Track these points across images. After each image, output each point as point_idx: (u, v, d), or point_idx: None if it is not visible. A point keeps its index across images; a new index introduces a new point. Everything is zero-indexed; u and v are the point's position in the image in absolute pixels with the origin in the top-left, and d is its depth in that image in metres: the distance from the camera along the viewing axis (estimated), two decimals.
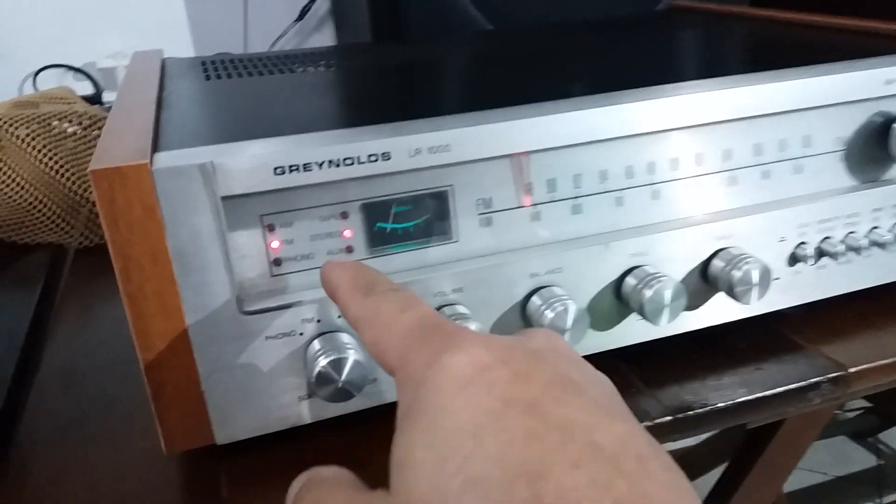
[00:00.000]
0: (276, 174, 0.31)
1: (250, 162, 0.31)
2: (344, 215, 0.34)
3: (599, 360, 0.40)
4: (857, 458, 1.51)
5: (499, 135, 0.34)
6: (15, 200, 0.69)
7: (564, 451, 0.19)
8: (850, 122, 0.42)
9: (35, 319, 0.52)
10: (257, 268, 0.34)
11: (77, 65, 1.02)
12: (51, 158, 0.68)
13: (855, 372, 0.41)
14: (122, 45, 1.05)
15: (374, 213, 0.35)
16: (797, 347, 0.43)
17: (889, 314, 0.46)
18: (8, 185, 0.72)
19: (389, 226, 0.35)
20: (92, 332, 0.51)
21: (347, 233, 0.35)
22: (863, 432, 1.55)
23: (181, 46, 1.07)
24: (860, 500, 1.42)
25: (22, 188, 0.70)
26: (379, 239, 0.35)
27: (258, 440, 0.36)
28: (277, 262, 0.34)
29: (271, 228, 0.33)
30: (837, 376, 0.40)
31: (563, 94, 0.38)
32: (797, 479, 1.46)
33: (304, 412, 0.36)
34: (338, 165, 0.32)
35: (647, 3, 0.91)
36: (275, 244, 0.34)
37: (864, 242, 0.43)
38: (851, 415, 1.57)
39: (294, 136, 0.33)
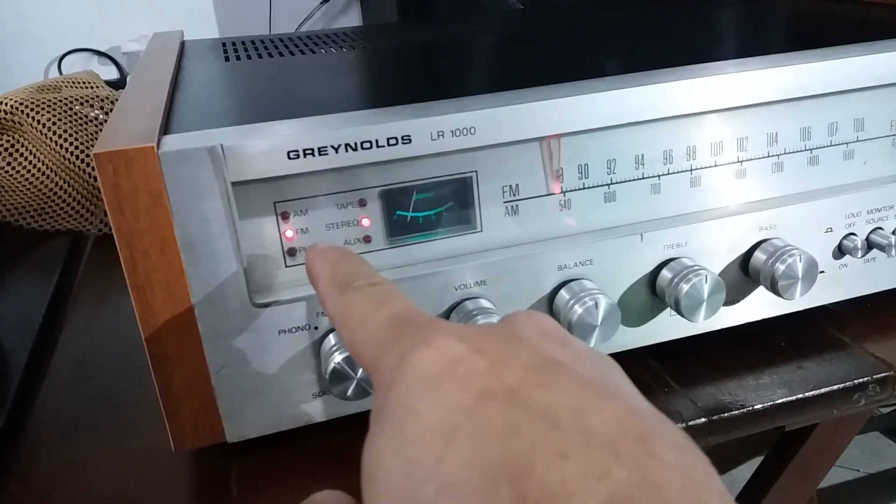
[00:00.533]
0: (289, 158, 0.29)
1: (262, 145, 0.29)
2: (362, 203, 0.32)
3: (629, 357, 0.38)
4: (890, 455, 1.47)
5: (527, 117, 0.32)
6: (35, 186, 0.68)
7: (549, 441, 0.16)
8: None
9: (51, 307, 0.51)
10: (270, 258, 0.32)
11: (102, 49, 1.01)
12: (72, 144, 0.67)
13: None
14: (148, 29, 1.04)
15: (394, 200, 0.33)
16: (842, 345, 0.40)
17: None
18: (28, 171, 0.71)
19: (410, 214, 0.33)
20: (108, 321, 0.50)
21: (365, 221, 0.33)
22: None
23: (206, 30, 1.06)
24: (893, 498, 1.38)
25: (42, 174, 0.69)
26: (399, 228, 0.33)
27: (270, 438, 0.34)
28: (292, 252, 0.32)
29: (285, 216, 0.31)
30: (885, 377, 0.38)
31: (595, 74, 0.35)
32: (829, 476, 1.42)
33: (319, 410, 0.34)
34: (355, 149, 0.30)
35: None
36: (289, 233, 0.32)
37: None
38: (886, 410, 1.52)
39: (309, 119, 0.31)
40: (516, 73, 0.42)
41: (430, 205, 0.34)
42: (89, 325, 0.49)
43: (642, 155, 0.36)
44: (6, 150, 0.72)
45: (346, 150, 0.30)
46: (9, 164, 0.72)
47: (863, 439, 1.51)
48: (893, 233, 0.40)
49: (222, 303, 0.31)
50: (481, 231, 0.35)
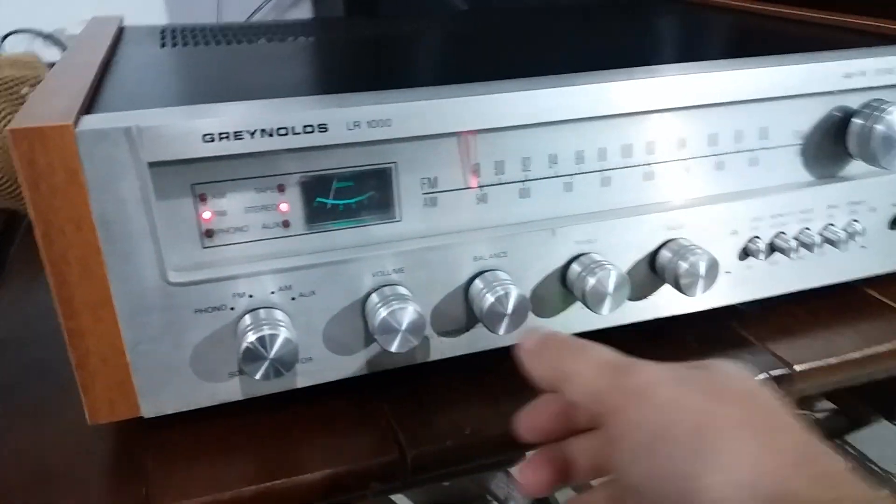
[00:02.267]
0: (204, 141, 0.30)
1: (178, 128, 0.30)
2: (281, 188, 0.33)
3: None
4: None
5: (443, 112, 0.34)
6: None
7: None
8: (809, 116, 0.42)
9: None
10: (188, 239, 0.33)
11: (47, 30, 1.00)
12: (7, 123, 0.66)
13: (801, 371, 0.40)
14: (94, 12, 1.03)
15: (314, 187, 0.34)
16: (745, 343, 0.43)
17: (841, 314, 0.45)
18: None
19: (330, 201, 0.35)
20: (37, 300, 0.50)
21: (284, 206, 0.34)
22: (831, 433, 1.56)
23: (155, 17, 1.05)
24: None
25: None
26: (319, 214, 0.34)
27: (187, 415, 0.35)
28: (209, 233, 0.33)
29: (203, 198, 0.32)
30: (782, 374, 0.40)
31: (514, 74, 0.37)
32: None
33: (235, 389, 0.35)
34: (271, 135, 0.31)
35: None
36: (206, 215, 0.33)
37: (818, 239, 0.43)
38: (820, 415, 1.58)
39: (226, 104, 0.32)
40: (441, 70, 0.44)
41: (351, 193, 0.35)
42: (18, 303, 0.49)
43: (556, 154, 0.37)
44: None
45: (262, 136, 0.31)
46: None
47: None
48: (795, 238, 0.43)
49: (138, 281, 0.32)
50: (400, 221, 0.36)
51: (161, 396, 0.34)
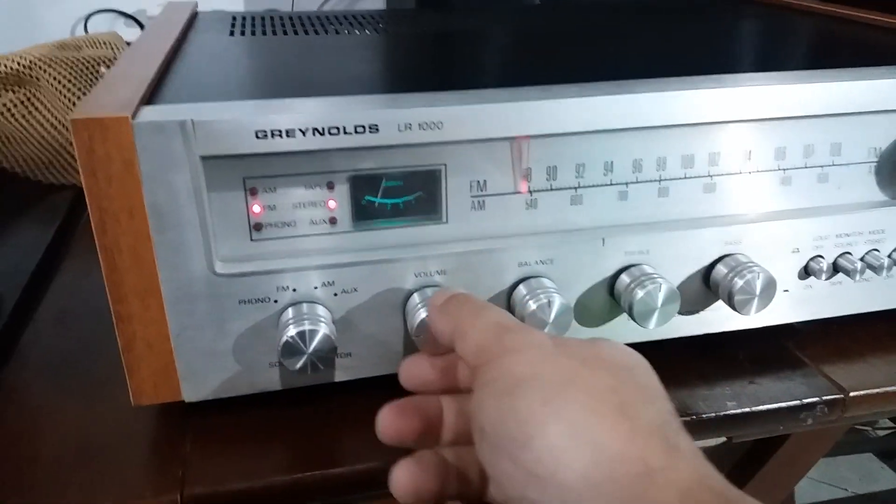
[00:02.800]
0: (258, 138, 0.30)
1: (231, 123, 0.30)
2: (330, 186, 0.34)
3: None
4: (883, 478, 1.46)
5: (495, 116, 0.33)
6: (46, 140, 0.70)
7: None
8: (885, 133, 0.40)
9: (45, 258, 0.53)
10: (236, 231, 0.33)
11: (129, 11, 1.03)
12: None
13: (854, 396, 0.39)
14: None
15: (363, 185, 0.34)
16: (799, 364, 0.41)
17: None
18: (42, 125, 0.73)
19: (378, 200, 0.35)
20: (98, 276, 0.52)
21: (332, 203, 0.34)
22: (892, 452, 1.49)
23: (231, 3, 1.07)
24: None
25: (55, 129, 0.71)
26: (366, 213, 0.34)
27: (228, 402, 0.36)
28: (258, 227, 0.33)
29: (254, 192, 0.33)
30: (834, 399, 0.38)
31: (574, 78, 0.36)
32: (815, 493, 1.43)
33: (275, 379, 0.35)
34: (322, 134, 0.31)
35: None
36: (256, 208, 0.33)
37: (886, 262, 0.40)
38: (882, 433, 1.52)
39: (280, 100, 0.32)
40: (499, 71, 0.43)
41: (398, 193, 0.35)
42: (79, 279, 0.51)
43: (611, 162, 0.36)
44: (23, 103, 0.74)
45: (314, 135, 0.31)
46: (24, 116, 0.74)
47: (856, 460, 1.50)
48: (861, 259, 0.41)
49: (186, 270, 0.32)
50: (447, 222, 0.36)
51: (203, 382, 0.35)
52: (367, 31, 0.54)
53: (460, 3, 0.80)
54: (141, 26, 1.04)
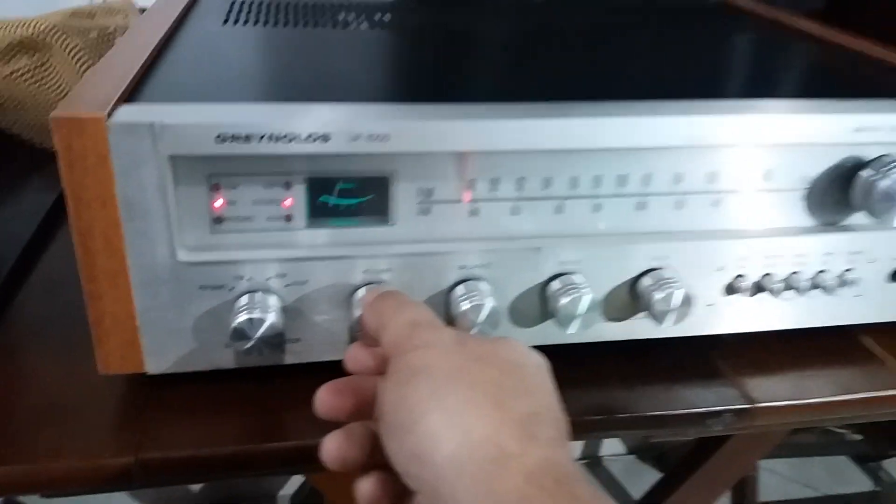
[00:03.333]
0: (217, 141, 0.34)
1: (195, 128, 0.33)
2: (287, 185, 0.37)
3: None
4: (855, 481, 1.50)
5: (439, 133, 0.36)
6: (55, 107, 0.74)
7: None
8: (818, 163, 0.42)
9: (42, 225, 0.57)
10: (199, 223, 0.37)
11: None
12: None
13: (762, 407, 0.42)
14: None
15: (318, 187, 0.37)
16: (717, 374, 0.44)
17: (824, 357, 0.46)
18: (53, 92, 0.77)
19: (333, 200, 0.38)
20: None
21: (288, 202, 0.37)
22: (867, 456, 1.53)
23: None
24: None
25: (65, 96, 0.74)
26: (320, 212, 0.38)
27: (188, 376, 0.39)
28: (219, 220, 0.37)
29: (216, 188, 0.36)
30: (742, 409, 0.42)
31: (522, 97, 0.39)
32: (787, 491, 1.46)
33: (230, 358, 0.39)
34: (277, 140, 0.34)
35: None
36: (218, 203, 0.36)
37: (807, 284, 0.44)
38: (859, 437, 1.55)
39: (241, 105, 0.35)
40: (455, 85, 0.46)
41: (351, 195, 0.38)
42: (72, 249, 0.55)
43: (550, 178, 0.39)
44: (36, 68, 0.77)
45: (269, 141, 0.34)
46: (36, 83, 0.78)
47: (831, 461, 1.53)
48: (783, 280, 0.44)
49: (152, 256, 0.36)
50: (394, 225, 0.39)
51: (164, 357, 0.38)
52: (352, 27, 0.57)
53: None
54: None
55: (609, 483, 1.45)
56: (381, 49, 0.53)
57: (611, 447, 1.51)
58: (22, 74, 0.76)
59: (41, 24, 0.76)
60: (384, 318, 0.32)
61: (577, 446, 1.50)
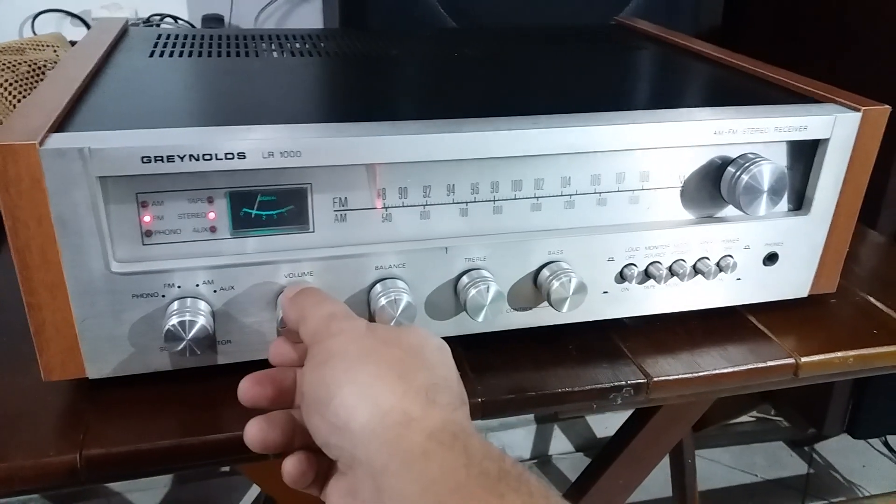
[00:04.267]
0: (142, 162, 0.37)
1: (122, 150, 0.37)
2: (210, 200, 0.41)
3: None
4: (791, 465, 1.58)
5: (347, 147, 0.40)
6: None
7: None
8: (689, 163, 0.48)
9: None
10: (130, 236, 0.40)
11: (75, 11, 1.08)
12: None
13: (657, 381, 0.47)
14: None
15: (240, 199, 0.41)
16: (619, 354, 0.49)
17: (715, 335, 0.51)
18: None
19: (255, 212, 0.42)
20: None
21: (212, 215, 0.41)
22: (801, 440, 1.61)
23: (174, 5, 1.13)
24: (783, 502, 1.48)
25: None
26: (243, 223, 0.42)
27: (128, 379, 0.42)
28: (148, 233, 0.40)
29: (145, 205, 0.40)
30: (639, 384, 0.47)
31: (426, 114, 0.43)
32: (727, 478, 1.53)
33: (166, 361, 0.43)
34: (198, 159, 0.38)
35: (613, 10, 0.96)
36: (146, 218, 0.40)
37: (689, 271, 0.49)
38: (785, 423, 1.63)
39: (164, 130, 0.39)
40: (366, 103, 0.50)
41: (272, 206, 0.42)
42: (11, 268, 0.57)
43: (453, 185, 0.44)
44: None
45: (191, 160, 0.38)
46: None
47: (767, 447, 1.61)
48: (668, 267, 0.49)
49: (87, 269, 0.39)
50: (314, 232, 0.43)
51: (104, 362, 0.42)
52: (272, 53, 0.61)
53: (378, 23, 0.87)
54: (87, 26, 1.09)
55: (558, 480, 1.49)
56: (296, 76, 0.57)
57: (559, 446, 1.56)
58: None
59: None
60: (304, 311, 0.36)
61: (527, 446, 1.55)
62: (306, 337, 0.36)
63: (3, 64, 0.81)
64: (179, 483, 1.34)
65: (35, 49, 0.90)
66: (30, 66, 0.84)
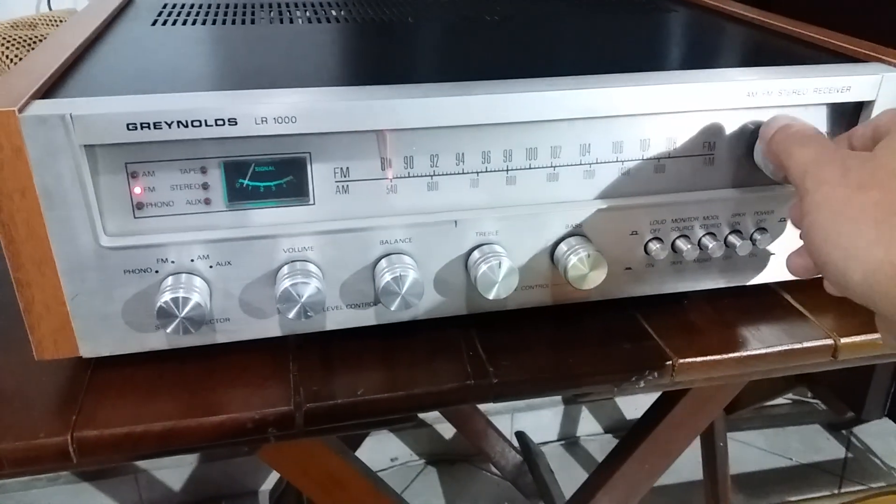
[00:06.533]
0: (128, 129, 0.35)
1: (106, 117, 0.35)
2: (203, 170, 0.38)
3: (451, 324, 0.44)
4: (827, 449, 1.53)
5: (347, 113, 0.38)
6: None
7: None
8: (722, 128, 0.44)
9: None
10: (120, 209, 0.38)
11: None
12: None
13: (682, 363, 0.44)
14: None
15: (235, 169, 0.39)
16: (641, 335, 0.46)
17: (748, 314, 0.48)
18: None
19: (251, 183, 0.39)
20: None
21: (206, 186, 0.39)
22: (839, 424, 1.56)
23: None
24: (820, 488, 1.44)
25: None
26: (238, 194, 0.39)
27: (124, 358, 0.41)
28: (140, 205, 0.38)
29: (135, 175, 0.38)
30: (663, 366, 0.44)
31: (430, 77, 0.41)
32: (760, 461, 1.49)
33: (161, 340, 0.41)
34: (187, 126, 0.36)
35: None
36: (137, 190, 0.38)
37: (720, 245, 0.45)
38: (823, 407, 1.58)
39: (151, 96, 0.37)
40: (365, 67, 0.47)
41: (269, 177, 0.39)
42: None
43: (463, 153, 0.41)
44: None
45: (179, 127, 0.36)
46: None
47: (803, 430, 1.56)
48: (696, 243, 0.45)
49: (75, 243, 0.37)
50: (314, 204, 0.41)
51: (97, 341, 0.40)
52: (274, 21, 0.58)
53: None
54: None
55: (587, 462, 1.47)
56: (295, 41, 0.54)
57: (588, 427, 1.53)
58: None
59: None
60: (783, 156, 0.38)
61: (555, 427, 1.52)
62: (793, 181, 0.36)
63: (16, 39, 0.79)
64: (205, 462, 1.34)
65: (48, 25, 0.89)
66: (40, 41, 0.82)
